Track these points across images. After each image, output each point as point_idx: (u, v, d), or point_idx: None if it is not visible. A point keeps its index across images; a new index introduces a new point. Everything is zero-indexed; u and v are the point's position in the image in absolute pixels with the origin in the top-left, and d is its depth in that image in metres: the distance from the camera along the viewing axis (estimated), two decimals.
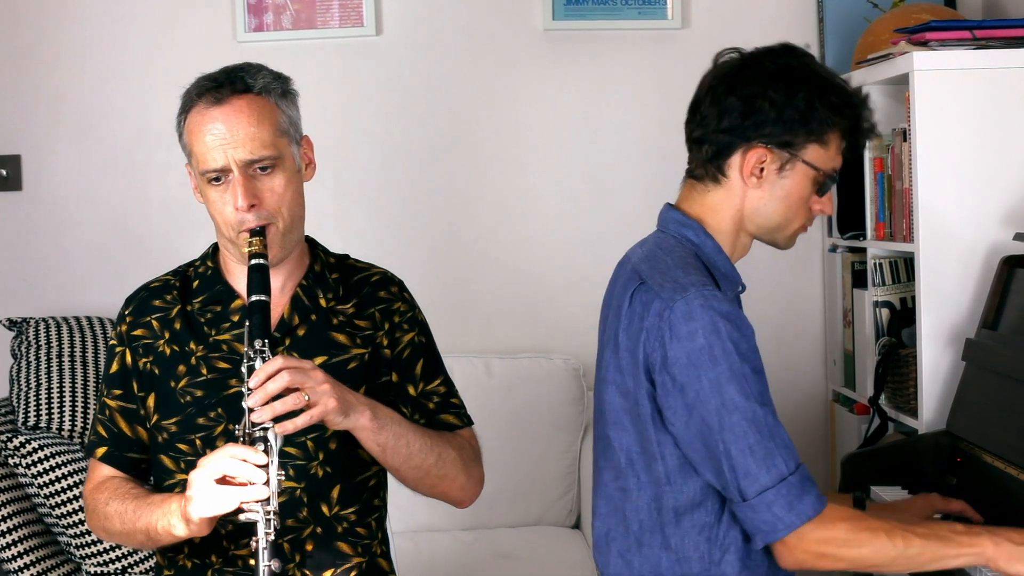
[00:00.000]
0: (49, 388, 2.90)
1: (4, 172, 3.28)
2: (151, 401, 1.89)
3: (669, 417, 1.69)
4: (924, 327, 2.47)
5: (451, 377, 2.01)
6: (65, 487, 2.62)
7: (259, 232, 1.81)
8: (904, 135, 2.57)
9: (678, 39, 3.34)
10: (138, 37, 3.30)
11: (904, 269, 2.76)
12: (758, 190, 1.77)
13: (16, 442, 2.62)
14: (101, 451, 1.91)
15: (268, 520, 1.63)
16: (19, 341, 3.01)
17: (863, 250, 2.92)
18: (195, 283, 1.94)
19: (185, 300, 1.92)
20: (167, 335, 1.90)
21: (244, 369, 1.71)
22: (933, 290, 2.46)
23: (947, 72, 2.45)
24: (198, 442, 1.85)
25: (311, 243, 1.99)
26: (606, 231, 3.34)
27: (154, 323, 1.91)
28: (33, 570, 2.59)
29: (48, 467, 2.62)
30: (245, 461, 1.63)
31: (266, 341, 1.71)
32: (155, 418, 1.88)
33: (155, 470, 1.91)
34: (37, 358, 2.96)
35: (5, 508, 2.60)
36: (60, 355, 2.96)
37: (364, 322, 1.93)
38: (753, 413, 1.63)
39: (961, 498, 2.03)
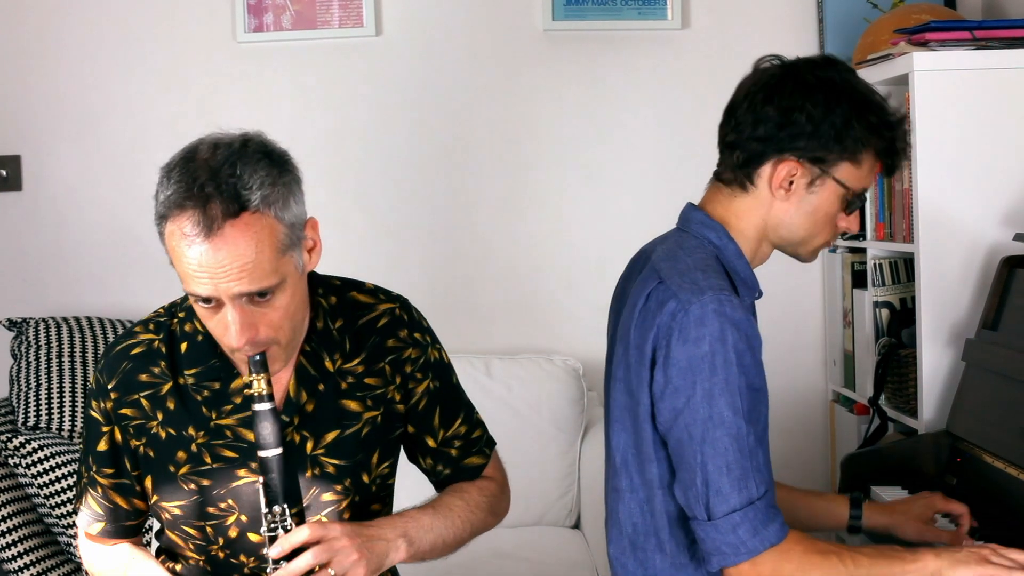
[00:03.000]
0: (49, 388, 2.90)
1: (4, 172, 3.28)
2: (148, 483, 1.76)
3: (656, 416, 1.67)
4: (924, 327, 2.47)
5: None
6: (65, 487, 2.61)
7: (261, 364, 1.59)
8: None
9: (678, 39, 3.34)
10: (138, 37, 3.30)
11: (904, 269, 2.76)
12: (785, 202, 1.75)
13: (16, 442, 2.62)
14: (98, 528, 1.81)
15: None
16: (19, 341, 3.01)
17: (863, 250, 2.92)
18: (183, 346, 1.73)
19: (175, 372, 1.71)
20: (160, 416, 1.72)
21: (265, 535, 1.62)
22: (933, 290, 2.46)
23: (947, 72, 2.45)
24: (209, 529, 1.74)
25: (310, 283, 1.74)
26: (606, 231, 3.34)
27: (144, 402, 1.72)
28: (33, 570, 2.58)
29: (48, 467, 2.61)
30: None
31: (286, 507, 1.61)
32: (155, 498, 1.76)
33: (163, 539, 1.84)
34: (37, 358, 2.95)
35: (5, 508, 2.59)
36: (60, 355, 2.96)
37: (374, 379, 1.77)
38: (738, 430, 1.60)
39: (961, 499, 2.02)
